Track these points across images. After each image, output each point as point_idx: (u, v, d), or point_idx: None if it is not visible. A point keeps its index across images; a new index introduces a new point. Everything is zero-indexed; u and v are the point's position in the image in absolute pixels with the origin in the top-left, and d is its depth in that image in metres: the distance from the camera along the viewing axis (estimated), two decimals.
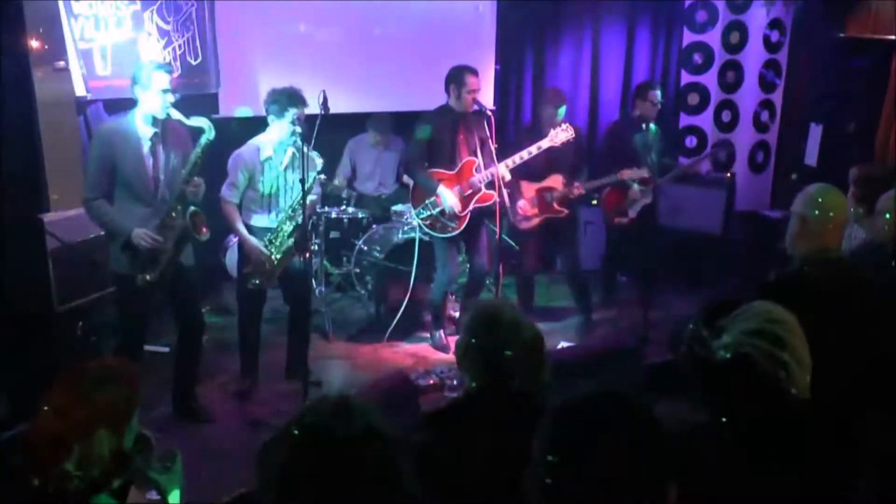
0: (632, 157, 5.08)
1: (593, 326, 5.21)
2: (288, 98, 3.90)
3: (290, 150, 4.01)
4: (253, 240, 4.02)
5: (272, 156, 4.00)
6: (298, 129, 3.88)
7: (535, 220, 5.00)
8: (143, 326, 3.86)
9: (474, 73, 4.53)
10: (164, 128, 3.65)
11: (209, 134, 3.64)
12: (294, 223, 4.00)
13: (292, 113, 3.89)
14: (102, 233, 3.83)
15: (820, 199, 2.53)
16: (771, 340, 1.56)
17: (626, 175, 5.08)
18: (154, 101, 3.55)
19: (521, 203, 4.96)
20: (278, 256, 4.01)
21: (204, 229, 3.71)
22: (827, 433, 1.64)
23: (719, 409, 1.60)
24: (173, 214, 3.65)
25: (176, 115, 3.60)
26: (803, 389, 1.57)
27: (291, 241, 4.01)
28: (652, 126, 5.21)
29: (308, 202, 3.92)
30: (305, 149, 3.77)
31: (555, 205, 4.97)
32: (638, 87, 5.51)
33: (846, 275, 2.50)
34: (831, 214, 2.50)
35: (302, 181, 3.73)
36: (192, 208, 3.67)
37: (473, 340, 1.96)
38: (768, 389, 1.55)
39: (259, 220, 4.08)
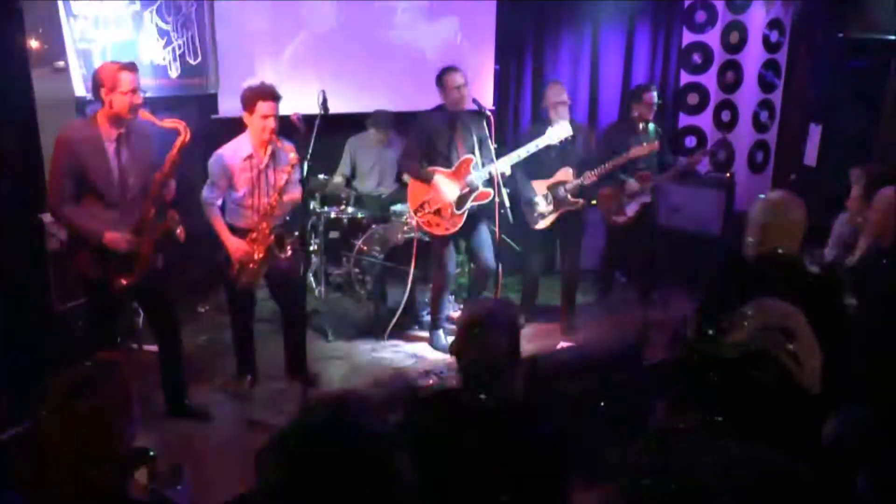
0: (628, 160, 5.07)
1: (582, 326, 5.20)
2: (256, 93, 3.87)
3: (270, 147, 3.97)
4: (234, 240, 3.97)
5: (252, 154, 3.96)
6: (271, 125, 3.85)
7: (552, 218, 4.97)
8: (116, 330, 3.81)
9: (454, 69, 4.57)
10: (128, 128, 3.53)
11: (184, 136, 3.58)
12: (273, 219, 3.96)
13: (261, 108, 3.84)
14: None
15: (779, 208, 2.61)
16: (783, 333, 1.58)
17: (634, 153, 5.00)
18: (121, 102, 3.42)
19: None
20: (261, 255, 3.97)
21: (179, 230, 3.63)
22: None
23: (733, 407, 1.60)
24: (149, 217, 3.58)
25: (146, 116, 3.50)
26: (814, 379, 1.59)
27: (272, 237, 3.96)
28: (651, 126, 5.22)
29: (286, 198, 3.95)
30: (285, 147, 3.73)
31: (569, 197, 4.95)
32: (633, 90, 5.51)
33: (797, 273, 2.54)
34: (790, 221, 2.58)
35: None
36: (173, 212, 3.62)
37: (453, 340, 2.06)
38: (785, 382, 1.56)
39: (243, 221, 4.02)
